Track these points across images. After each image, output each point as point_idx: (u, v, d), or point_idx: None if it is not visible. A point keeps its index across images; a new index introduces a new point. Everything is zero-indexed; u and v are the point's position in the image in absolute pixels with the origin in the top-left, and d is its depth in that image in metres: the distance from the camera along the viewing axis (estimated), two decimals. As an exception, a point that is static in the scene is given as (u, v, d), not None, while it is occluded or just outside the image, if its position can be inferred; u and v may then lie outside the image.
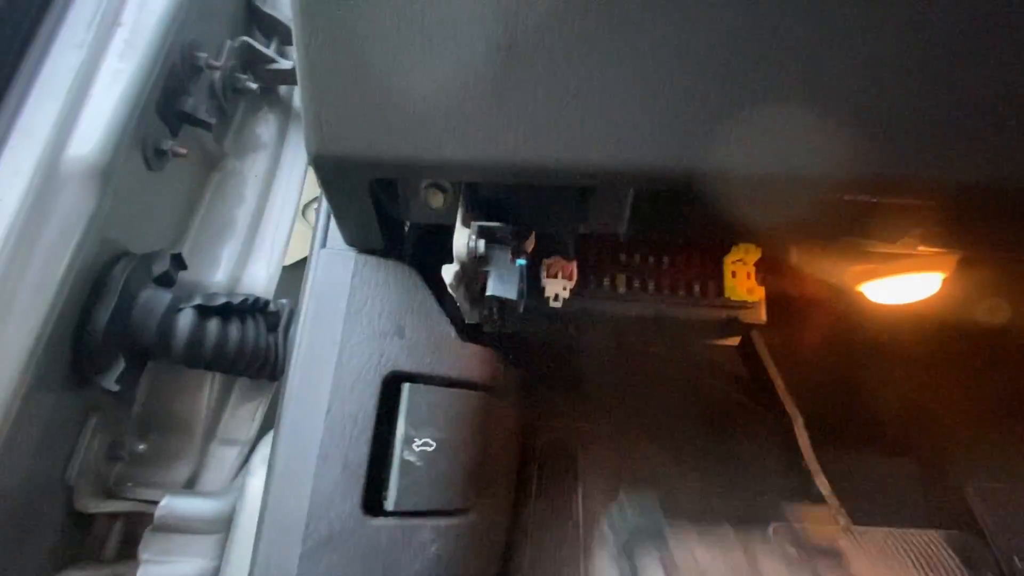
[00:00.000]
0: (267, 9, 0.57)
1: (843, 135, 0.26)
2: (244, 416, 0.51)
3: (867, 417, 0.56)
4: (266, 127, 0.59)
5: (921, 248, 0.34)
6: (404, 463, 0.36)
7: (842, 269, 0.40)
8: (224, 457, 0.49)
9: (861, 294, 0.42)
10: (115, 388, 0.38)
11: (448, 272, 0.32)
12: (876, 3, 0.24)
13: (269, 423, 0.54)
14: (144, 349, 0.40)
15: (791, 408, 0.53)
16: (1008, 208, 0.28)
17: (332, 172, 0.31)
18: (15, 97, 0.35)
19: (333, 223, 0.40)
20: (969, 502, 0.53)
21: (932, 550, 0.43)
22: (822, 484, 0.50)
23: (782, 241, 0.40)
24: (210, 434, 0.49)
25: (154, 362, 0.44)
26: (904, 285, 0.39)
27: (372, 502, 0.35)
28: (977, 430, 0.54)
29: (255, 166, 0.57)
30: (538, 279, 0.42)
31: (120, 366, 0.38)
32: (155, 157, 0.43)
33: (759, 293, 0.41)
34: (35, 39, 0.37)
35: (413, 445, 0.37)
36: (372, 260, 0.39)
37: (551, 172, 0.29)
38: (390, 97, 0.27)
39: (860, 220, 0.32)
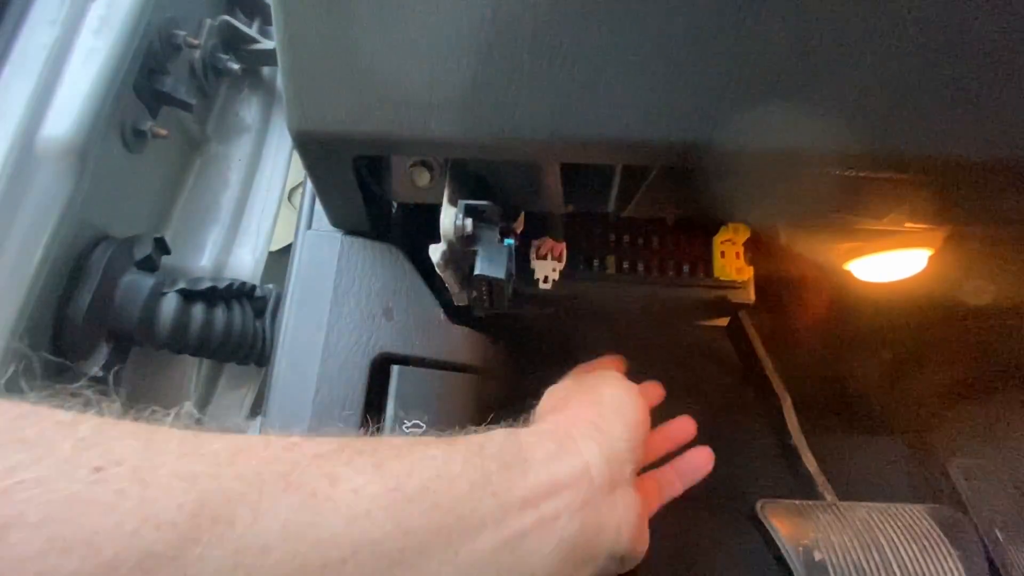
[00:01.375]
0: (248, -13, 0.56)
1: (832, 109, 0.26)
2: (232, 402, 0.51)
3: (854, 397, 0.57)
4: (249, 110, 0.58)
5: (908, 225, 0.34)
6: (393, 445, 0.36)
7: (830, 247, 0.40)
8: (212, 444, 0.48)
9: (849, 273, 0.42)
10: (99, 374, 0.37)
11: (435, 251, 0.32)
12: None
13: (257, 409, 0.54)
14: (127, 334, 0.40)
15: (779, 389, 0.54)
16: (996, 181, 0.28)
17: (314, 149, 0.30)
18: (-15, 75, 0.34)
19: (318, 204, 0.39)
20: (952, 477, 0.54)
21: (915, 522, 0.44)
22: (809, 462, 0.50)
23: (771, 220, 0.40)
24: (197, 421, 0.49)
25: (138, 348, 0.43)
26: (891, 262, 0.39)
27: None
28: (961, 408, 0.55)
29: (239, 149, 0.56)
30: (527, 261, 0.42)
31: (103, 353, 0.38)
32: (134, 138, 0.42)
33: (748, 273, 0.42)
34: (5, 16, 0.36)
35: (403, 426, 0.37)
36: (358, 242, 0.38)
37: (538, 147, 0.28)
38: (373, 70, 0.27)
39: (848, 196, 0.32)
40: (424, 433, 0.37)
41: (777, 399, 0.54)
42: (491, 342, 0.44)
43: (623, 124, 0.27)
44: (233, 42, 0.54)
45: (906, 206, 0.32)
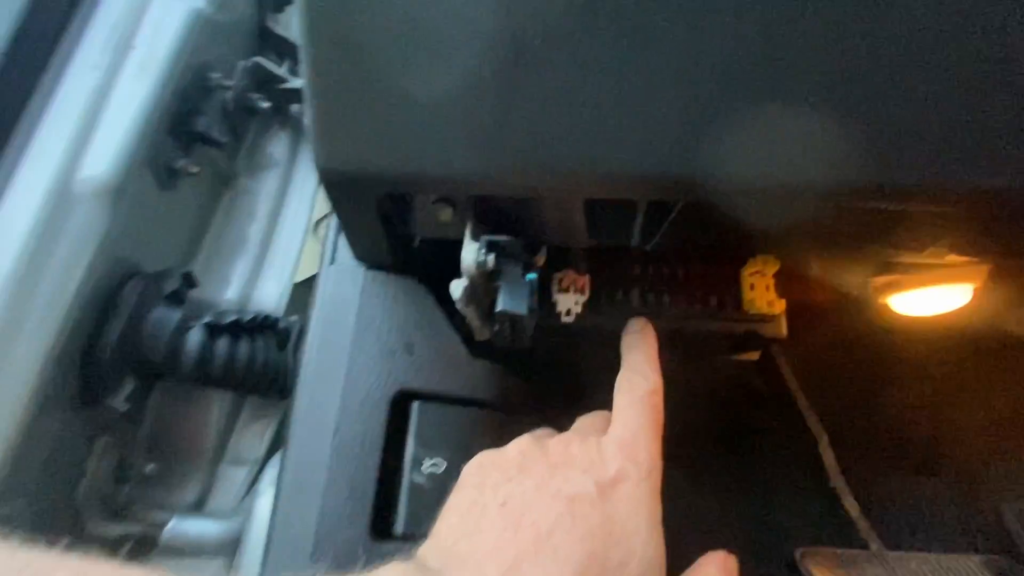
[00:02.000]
0: (279, 31, 0.58)
1: (864, 141, 0.25)
2: (253, 435, 0.51)
3: (895, 435, 0.54)
4: (277, 145, 0.59)
5: (950, 258, 0.33)
6: (413, 486, 0.35)
7: (865, 281, 0.38)
8: (233, 478, 0.48)
9: (886, 306, 0.40)
10: (124, 408, 0.38)
11: (456, 288, 0.32)
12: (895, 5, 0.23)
13: (279, 443, 0.54)
14: (153, 368, 0.40)
15: (815, 426, 0.51)
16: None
17: (340, 187, 0.30)
18: (30, 118, 0.36)
19: (342, 239, 0.39)
20: (1006, 523, 0.50)
21: (970, 575, 0.41)
22: (851, 506, 0.47)
23: (802, 252, 0.39)
24: (219, 454, 0.49)
25: (163, 381, 0.44)
26: (933, 297, 0.37)
27: (381, 526, 0.34)
28: (1010, 445, 0.51)
29: (266, 184, 0.57)
30: (549, 294, 0.41)
31: (129, 386, 0.38)
32: (167, 176, 0.43)
33: (779, 306, 0.40)
34: (51, 61, 0.38)
35: (422, 467, 0.36)
36: (381, 276, 0.38)
37: (561, 183, 0.28)
38: (397, 110, 0.27)
39: (885, 229, 0.31)
40: (444, 473, 0.36)
41: (813, 437, 0.51)
42: (514, 377, 0.43)
43: (648, 159, 0.27)
44: (264, 81, 0.56)
45: (947, 239, 0.31)
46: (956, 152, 0.25)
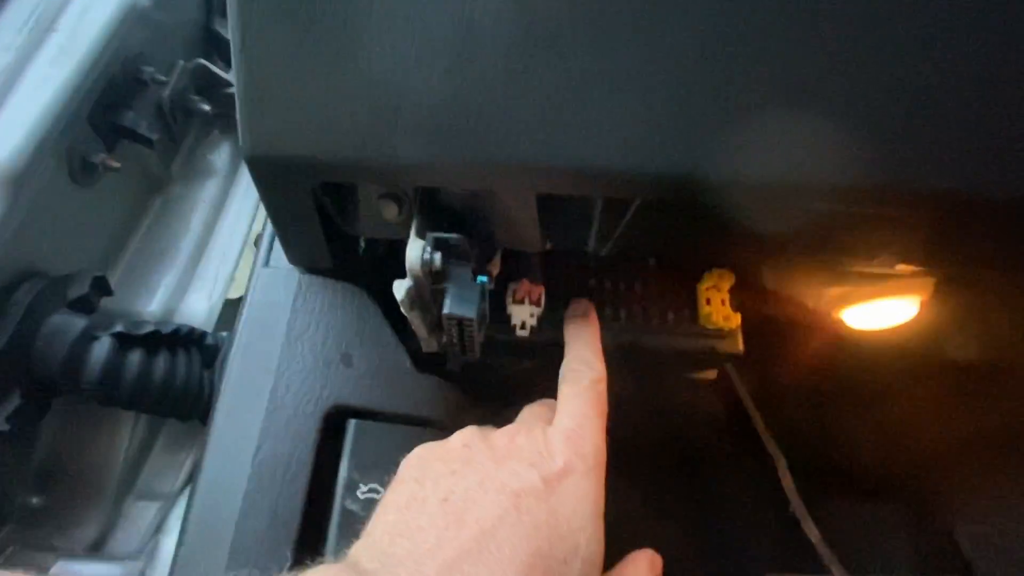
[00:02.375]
0: (227, 34, 0.56)
1: (814, 141, 0.25)
2: (169, 465, 0.45)
3: (851, 456, 0.54)
4: (219, 152, 0.56)
5: (899, 267, 0.33)
6: (345, 512, 0.31)
7: (819, 293, 0.38)
8: (140, 515, 0.42)
9: (840, 322, 0.40)
10: (5, 428, 0.32)
11: (400, 288, 0.29)
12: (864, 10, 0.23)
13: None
14: (48, 383, 0.35)
15: (773, 449, 0.50)
16: (989, 219, 0.26)
17: (271, 176, 0.28)
18: (-81, 96, 0.32)
19: (278, 242, 0.36)
20: (960, 546, 0.50)
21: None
22: (810, 531, 0.46)
23: (756, 262, 0.39)
24: (126, 487, 0.43)
25: (62, 400, 0.38)
26: (882, 310, 0.38)
27: (307, 560, 0.30)
28: (963, 468, 0.52)
29: (204, 191, 0.54)
30: (503, 306, 0.39)
31: (14, 402, 0.33)
32: (82, 170, 0.39)
33: (735, 320, 0.39)
34: (-47, 39, 0.34)
35: (357, 492, 0.32)
36: (318, 280, 0.35)
37: (513, 175, 0.26)
38: (336, 90, 0.25)
39: (837, 234, 0.30)
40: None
41: (771, 460, 0.50)
42: (462, 395, 0.40)
43: (602, 152, 0.25)
44: (208, 86, 0.53)
45: (897, 245, 0.31)
46: (906, 156, 0.25)
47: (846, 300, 0.38)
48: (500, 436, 0.27)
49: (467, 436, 0.27)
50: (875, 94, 0.24)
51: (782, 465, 0.50)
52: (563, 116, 0.25)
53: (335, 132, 0.25)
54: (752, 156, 0.25)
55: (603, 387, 0.29)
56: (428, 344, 0.36)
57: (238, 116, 0.26)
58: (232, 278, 0.52)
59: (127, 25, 0.41)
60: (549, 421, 0.28)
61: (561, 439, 0.26)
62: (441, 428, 0.37)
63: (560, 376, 0.30)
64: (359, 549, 0.23)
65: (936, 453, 0.52)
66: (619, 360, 0.43)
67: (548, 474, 0.24)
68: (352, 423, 0.33)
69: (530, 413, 0.31)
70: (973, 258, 0.31)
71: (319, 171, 0.27)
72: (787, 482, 0.49)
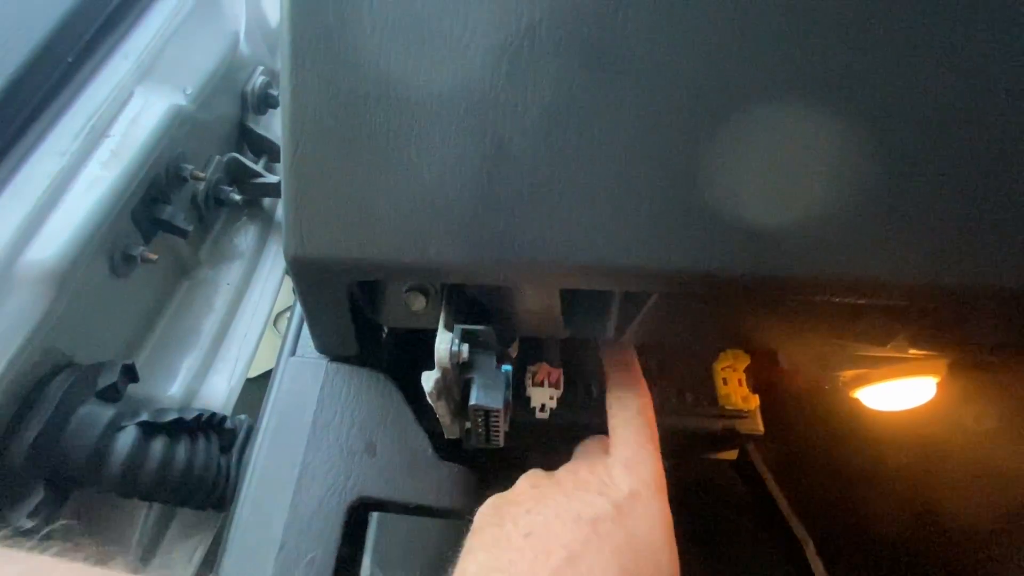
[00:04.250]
0: (259, 130, 0.60)
1: (825, 237, 0.26)
2: (181, 557, 0.44)
3: (879, 539, 0.52)
4: (245, 237, 0.59)
5: (912, 351, 0.34)
6: (368, 613, 0.30)
7: (834, 375, 0.39)
8: (149, 610, 0.40)
9: (857, 401, 0.40)
10: (27, 525, 0.32)
11: (428, 380, 0.30)
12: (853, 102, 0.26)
13: (209, 565, 0.46)
14: (72, 475, 0.35)
15: (799, 531, 0.49)
16: (994, 308, 0.28)
17: (310, 275, 0.29)
18: (-19, 200, 0.34)
19: (305, 331, 0.37)
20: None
21: None
22: (846, 622, 0.44)
23: (769, 345, 0.40)
24: (136, 580, 0.41)
25: (81, 490, 0.38)
26: (898, 391, 0.38)
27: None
28: (996, 544, 0.50)
29: (229, 274, 0.56)
30: (523, 388, 0.40)
31: (37, 497, 0.33)
32: (122, 263, 0.41)
33: (754, 401, 0.40)
34: (15, 147, 0.37)
35: (380, 589, 0.31)
36: (344, 368, 0.36)
37: (538, 272, 0.28)
38: (374, 198, 0.27)
39: (849, 323, 0.31)
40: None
41: (798, 543, 0.48)
42: (482, 482, 0.40)
43: (622, 251, 0.27)
44: (239, 175, 0.56)
45: (906, 332, 0.32)
46: (916, 250, 0.26)
47: (860, 382, 0.38)
48: (563, 472, 0.28)
49: (532, 477, 0.28)
50: (883, 194, 0.26)
51: (810, 549, 0.48)
52: (584, 219, 0.27)
53: (374, 236, 0.27)
54: (765, 253, 0.27)
55: (651, 411, 0.30)
56: (450, 431, 0.36)
57: (283, 220, 0.28)
58: (253, 357, 0.53)
59: (174, 128, 0.44)
60: (605, 452, 0.29)
61: (622, 467, 0.27)
62: (461, 519, 0.36)
63: (608, 407, 0.31)
64: None
65: (967, 530, 0.50)
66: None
67: (617, 500, 0.25)
68: (374, 517, 0.32)
69: (585, 448, 0.32)
70: (983, 342, 0.32)
71: (356, 270, 0.29)
72: (817, 567, 0.47)
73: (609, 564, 0.22)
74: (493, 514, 0.27)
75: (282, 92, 0.27)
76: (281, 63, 0.27)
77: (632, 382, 0.32)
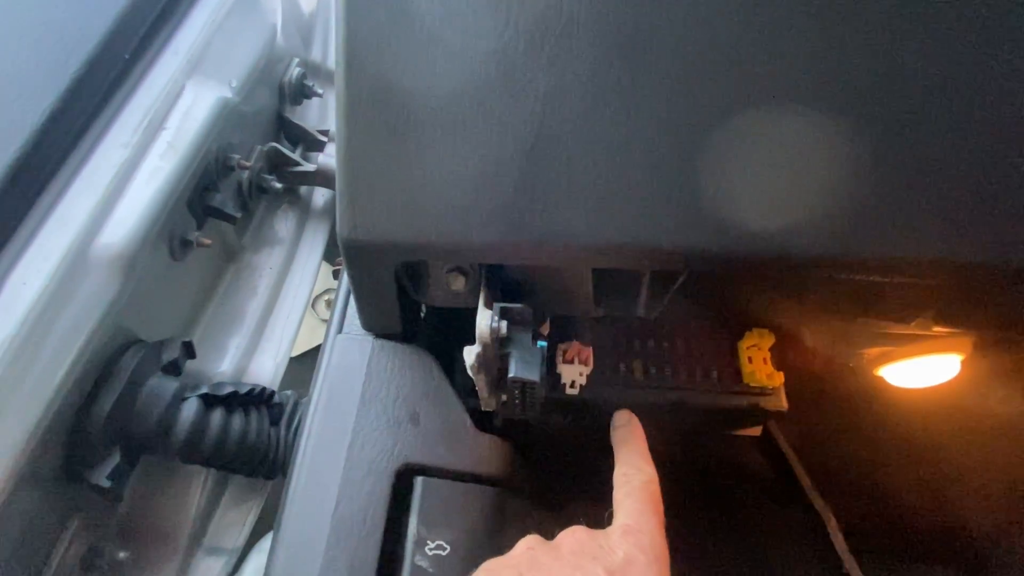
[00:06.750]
0: (296, 120, 0.62)
1: (853, 215, 0.28)
2: (234, 521, 0.47)
3: (901, 516, 0.53)
4: (284, 223, 0.61)
5: (936, 329, 0.35)
6: (416, 569, 0.33)
7: (858, 353, 0.40)
8: (209, 568, 0.44)
9: (881, 379, 0.41)
10: (107, 485, 0.35)
11: (470, 354, 0.32)
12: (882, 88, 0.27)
13: (259, 530, 0.50)
14: (142, 441, 0.38)
15: (821, 507, 0.50)
16: (1019, 287, 0.28)
17: (362, 256, 0.32)
18: (56, 189, 0.37)
19: (351, 309, 0.40)
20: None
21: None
22: (866, 593, 0.45)
23: (794, 324, 0.41)
24: (196, 541, 0.45)
25: (145, 458, 0.42)
26: (922, 368, 0.39)
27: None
28: (1012, 531, 0.50)
29: (270, 259, 0.59)
30: (553, 365, 0.42)
31: (115, 460, 0.36)
32: (180, 247, 0.44)
33: (778, 379, 0.41)
34: (83, 139, 0.40)
35: (426, 548, 0.34)
36: (389, 345, 0.38)
37: (574, 253, 0.30)
38: (423, 184, 0.29)
39: (873, 300, 0.33)
40: (448, 555, 0.34)
41: (820, 519, 0.50)
42: (515, 453, 0.42)
43: (653, 231, 0.29)
44: (278, 165, 0.59)
45: (931, 309, 0.33)
46: (937, 228, 0.27)
47: (884, 359, 0.39)
48: (561, 537, 0.28)
49: (529, 541, 0.28)
50: (903, 172, 0.27)
51: (832, 524, 0.49)
52: (617, 201, 0.28)
53: (421, 220, 0.29)
54: (791, 234, 0.28)
55: (656, 488, 0.30)
56: (488, 403, 0.38)
57: (337, 207, 0.30)
58: (295, 338, 0.56)
59: (221, 119, 0.47)
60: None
61: (619, 534, 0.27)
62: (498, 484, 0.39)
63: (614, 482, 0.31)
64: None
65: (989, 509, 0.51)
66: (664, 418, 0.45)
67: (611, 566, 0.25)
68: (419, 480, 0.35)
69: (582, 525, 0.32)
70: (1007, 321, 0.33)
71: (404, 252, 0.31)
72: (839, 542, 0.49)
73: None
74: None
75: (337, 87, 0.29)
76: (335, 60, 0.29)
77: (639, 461, 0.32)
